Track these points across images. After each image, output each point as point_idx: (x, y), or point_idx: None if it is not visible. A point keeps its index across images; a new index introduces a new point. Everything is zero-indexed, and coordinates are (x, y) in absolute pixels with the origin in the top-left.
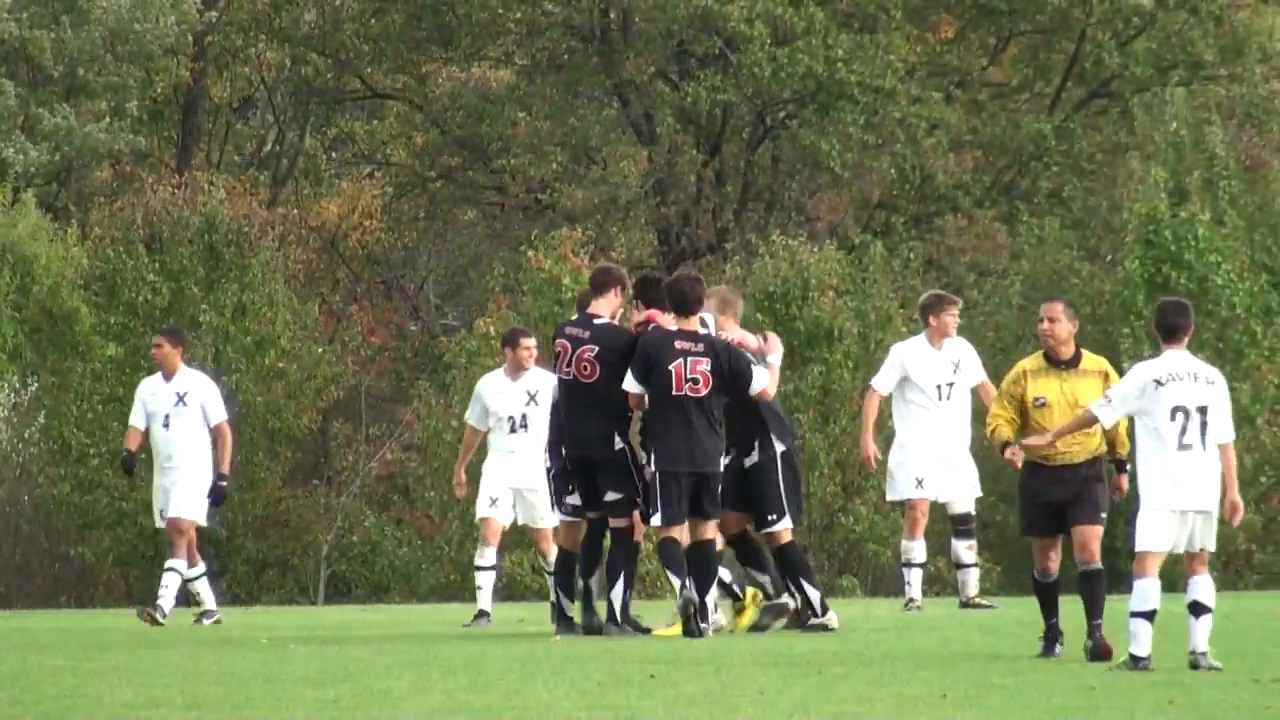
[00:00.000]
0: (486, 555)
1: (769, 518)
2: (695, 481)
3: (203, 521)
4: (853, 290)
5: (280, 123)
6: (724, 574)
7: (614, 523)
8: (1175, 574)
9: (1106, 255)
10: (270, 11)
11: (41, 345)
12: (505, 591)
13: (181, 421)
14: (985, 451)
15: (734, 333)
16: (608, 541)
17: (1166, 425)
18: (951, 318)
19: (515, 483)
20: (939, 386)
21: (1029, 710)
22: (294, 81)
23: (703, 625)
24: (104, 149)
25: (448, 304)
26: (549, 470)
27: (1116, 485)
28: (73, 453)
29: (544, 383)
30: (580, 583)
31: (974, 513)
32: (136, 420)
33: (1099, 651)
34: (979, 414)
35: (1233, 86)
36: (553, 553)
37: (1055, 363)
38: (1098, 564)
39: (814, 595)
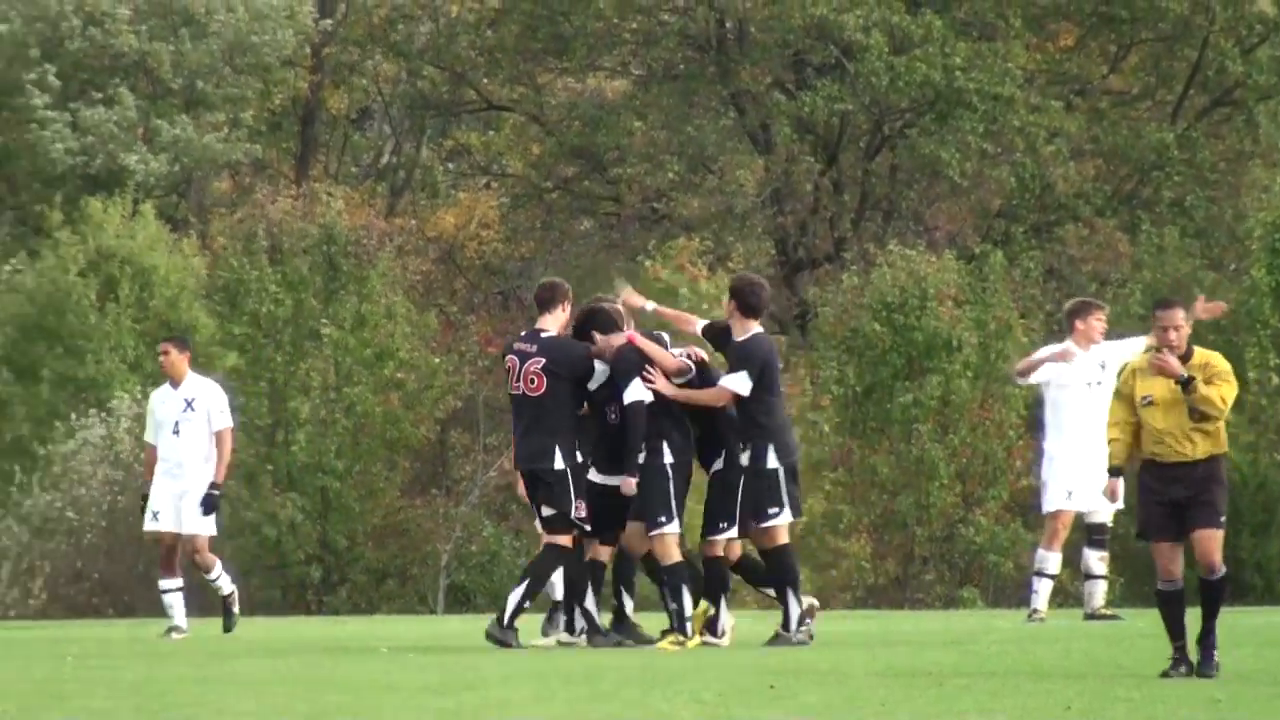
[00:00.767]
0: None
1: (720, 525)
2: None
3: (213, 532)
4: (972, 300)
5: (397, 134)
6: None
7: (549, 539)
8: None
9: (1230, 265)
10: (386, 26)
11: None
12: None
13: (190, 428)
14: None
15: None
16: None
17: None
18: (1099, 322)
19: None
20: (1089, 385)
21: None
22: (410, 94)
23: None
24: (222, 160)
25: None
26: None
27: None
28: None
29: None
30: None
31: (1110, 524)
32: (150, 435)
33: (1198, 668)
34: None
35: None
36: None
37: None
38: (1218, 573)
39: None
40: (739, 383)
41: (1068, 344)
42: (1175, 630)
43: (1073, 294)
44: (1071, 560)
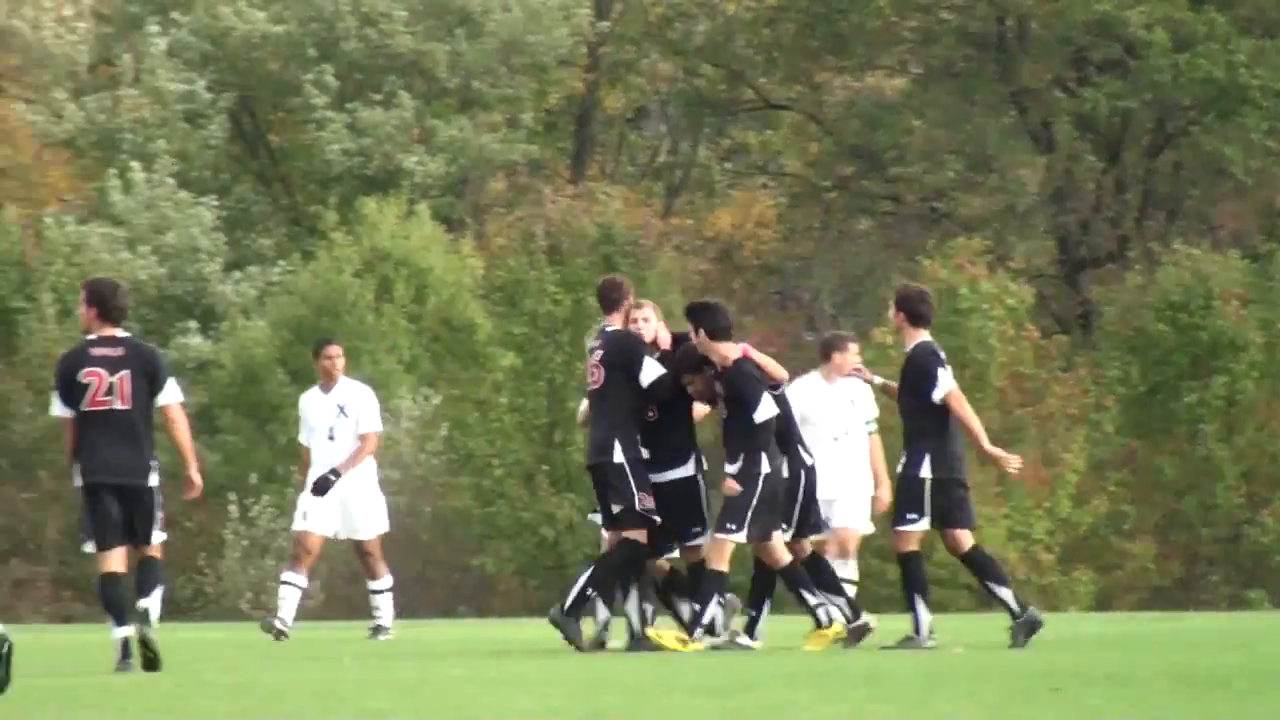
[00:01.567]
0: (850, 568)
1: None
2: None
3: (385, 529)
4: (1258, 299)
5: (674, 134)
6: (810, 597)
7: (624, 534)
8: None
9: None
10: (662, 23)
11: (439, 356)
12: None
13: (345, 433)
14: None
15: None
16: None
17: None
18: None
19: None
20: None
21: None
22: (687, 92)
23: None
24: (499, 160)
25: (843, 314)
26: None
27: None
28: (474, 463)
29: (859, 390)
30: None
31: None
32: (305, 437)
33: None
34: None
35: None
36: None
37: None
38: None
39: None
40: (947, 381)
41: None
42: None
43: None
44: None
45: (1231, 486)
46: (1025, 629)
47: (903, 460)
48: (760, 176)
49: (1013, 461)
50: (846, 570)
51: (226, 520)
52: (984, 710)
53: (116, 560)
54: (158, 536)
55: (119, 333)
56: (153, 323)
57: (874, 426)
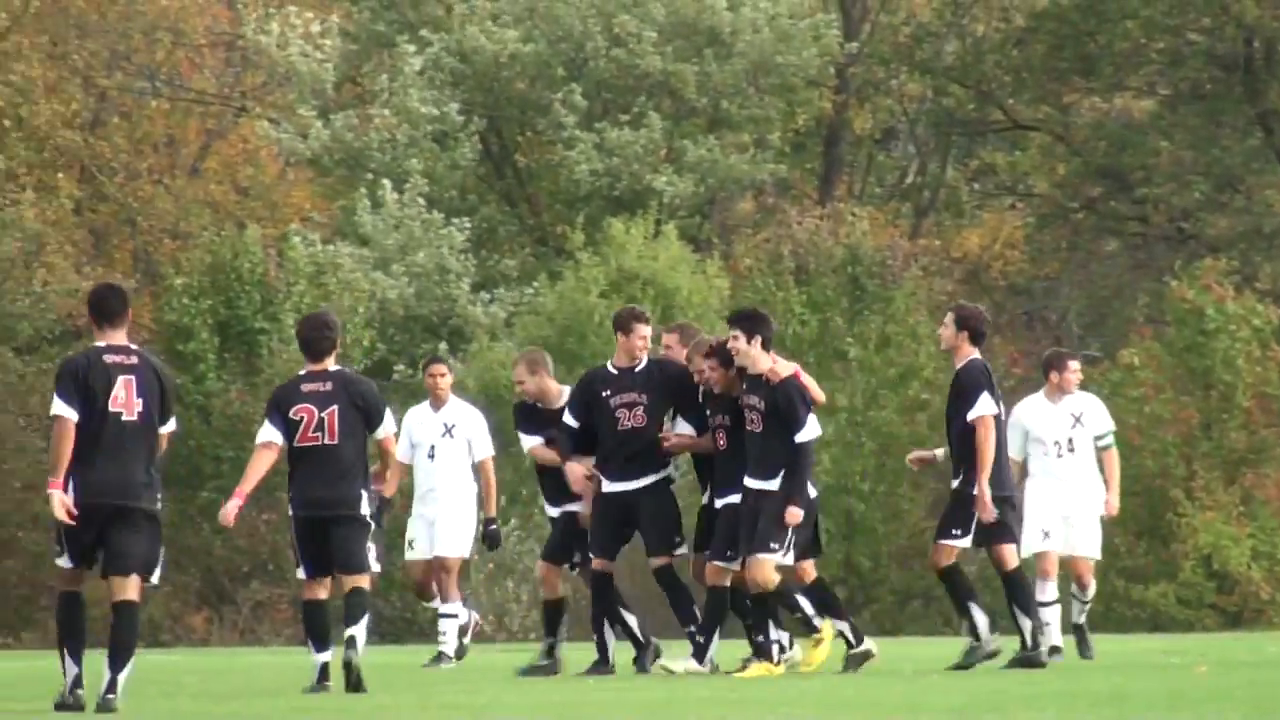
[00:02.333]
0: (1048, 590)
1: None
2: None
3: (467, 555)
4: None
5: (922, 154)
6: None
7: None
8: None
9: None
10: (912, 43)
11: None
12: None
13: (447, 453)
14: None
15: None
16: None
17: None
18: None
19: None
20: None
21: None
22: (936, 113)
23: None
24: (746, 180)
25: (1090, 334)
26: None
27: None
28: None
29: (1087, 405)
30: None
31: None
32: (404, 453)
33: None
34: None
35: None
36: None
37: None
38: None
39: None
40: (989, 405)
41: None
42: None
43: None
44: None
45: None
46: (981, 657)
47: (959, 479)
48: (1008, 197)
49: (990, 513)
50: (1044, 593)
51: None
52: None
53: (322, 588)
54: (374, 567)
55: (330, 366)
56: (399, 343)
57: (1109, 441)
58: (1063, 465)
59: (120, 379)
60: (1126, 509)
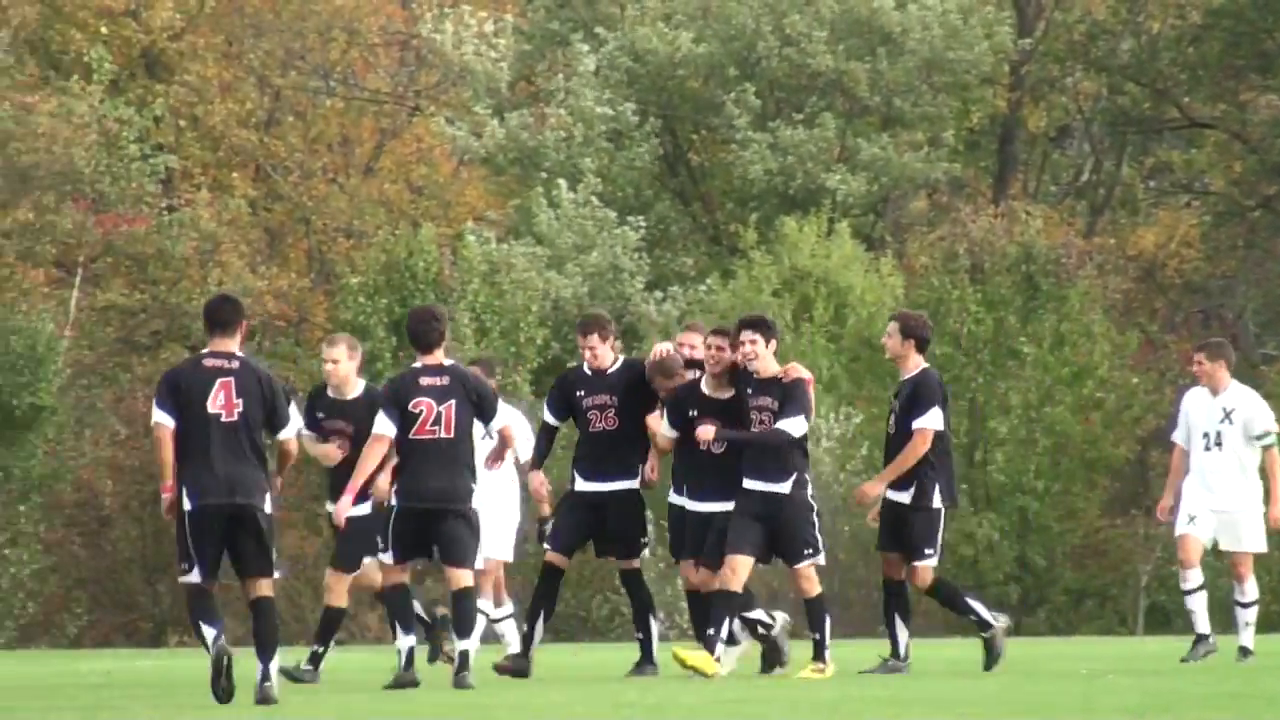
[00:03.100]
0: (1189, 578)
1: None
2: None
3: (509, 558)
4: None
5: (1097, 152)
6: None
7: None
8: None
9: None
10: (1086, 40)
11: (858, 375)
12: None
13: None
14: None
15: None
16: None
17: None
18: None
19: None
20: None
21: None
22: (1111, 111)
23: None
24: (920, 179)
25: (1267, 333)
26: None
27: None
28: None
29: (1241, 401)
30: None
31: None
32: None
33: None
34: None
35: None
36: None
37: None
38: None
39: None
40: (937, 420)
41: None
42: None
43: None
44: None
45: None
46: (1002, 641)
47: (910, 492)
48: (1184, 195)
49: (871, 513)
50: (1186, 581)
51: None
52: None
53: (406, 573)
54: (478, 562)
55: (444, 360)
56: (571, 342)
57: (1271, 440)
58: (1210, 460)
59: (219, 381)
60: None
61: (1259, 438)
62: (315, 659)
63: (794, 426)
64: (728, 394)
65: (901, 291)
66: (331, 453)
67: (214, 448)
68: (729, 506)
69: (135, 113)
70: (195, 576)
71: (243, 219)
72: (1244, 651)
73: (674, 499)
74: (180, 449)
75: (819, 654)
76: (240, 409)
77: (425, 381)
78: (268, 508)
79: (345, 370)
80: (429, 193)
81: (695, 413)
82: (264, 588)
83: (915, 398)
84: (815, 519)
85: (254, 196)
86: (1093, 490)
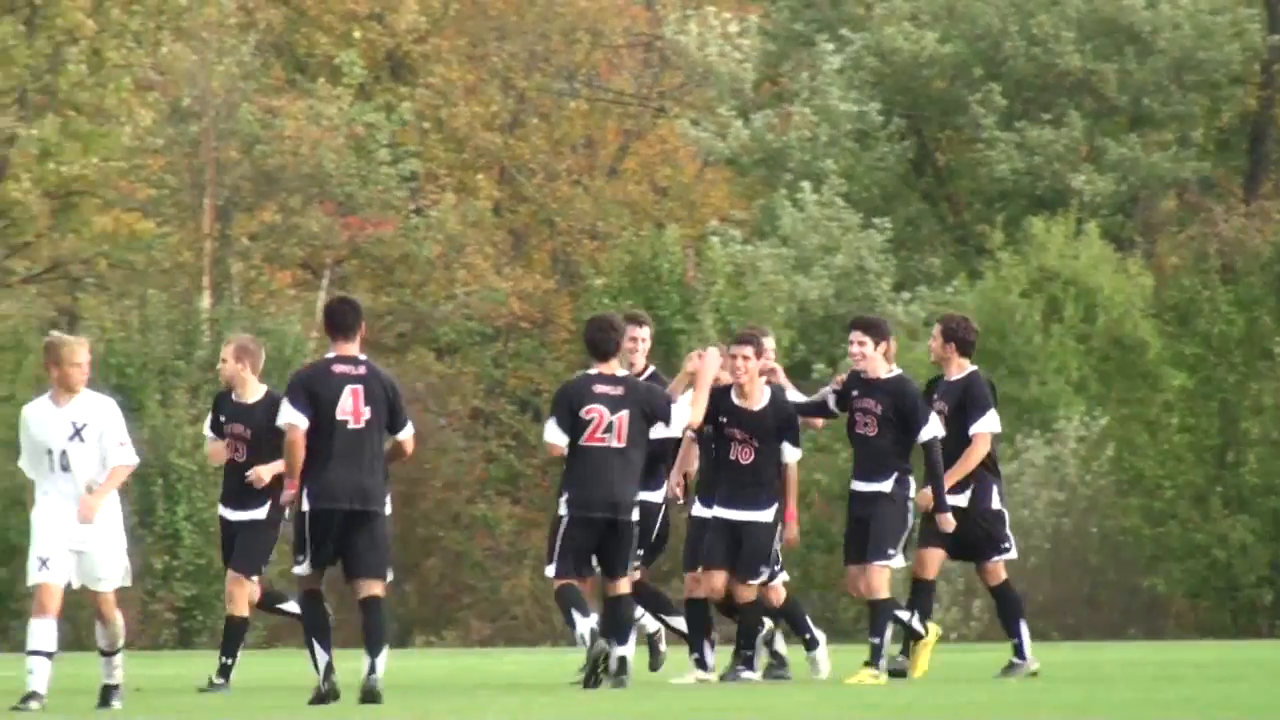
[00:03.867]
0: None
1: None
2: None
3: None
4: None
5: None
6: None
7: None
8: None
9: None
10: None
11: (1108, 375)
12: None
13: None
14: None
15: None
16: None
17: None
18: None
19: None
20: None
21: None
22: None
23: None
24: (1170, 178)
25: None
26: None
27: None
28: (1144, 484)
29: None
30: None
31: None
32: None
33: None
34: None
35: None
36: None
37: None
38: None
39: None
40: (993, 423)
41: None
42: None
43: None
44: None
45: None
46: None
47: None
48: None
49: (949, 524)
50: None
51: None
52: None
53: (582, 581)
54: (633, 573)
55: (617, 370)
56: (819, 343)
57: None
58: None
59: (347, 388)
60: None
61: None
62: (225, 671)
63: (928, 431)
64: (758, 404)
65: (1151, 291)
66: (219, 453)
67: (336, 454)
68: (758, 516)
69: (384, 117)
70: (306, 569)
71: (487, 221)
72: None
73: (698, 511)
74: (305, 449)
75: (874, 659)
76: (367, 416)
77: (599, 389)
78: (386, 510)
79: (229, 371)
80: (673, 194)
81: (725, 419)
82: (374, 588)
83: (967, 402)
84: (908, 520)
85: (499, 199)
86: None
